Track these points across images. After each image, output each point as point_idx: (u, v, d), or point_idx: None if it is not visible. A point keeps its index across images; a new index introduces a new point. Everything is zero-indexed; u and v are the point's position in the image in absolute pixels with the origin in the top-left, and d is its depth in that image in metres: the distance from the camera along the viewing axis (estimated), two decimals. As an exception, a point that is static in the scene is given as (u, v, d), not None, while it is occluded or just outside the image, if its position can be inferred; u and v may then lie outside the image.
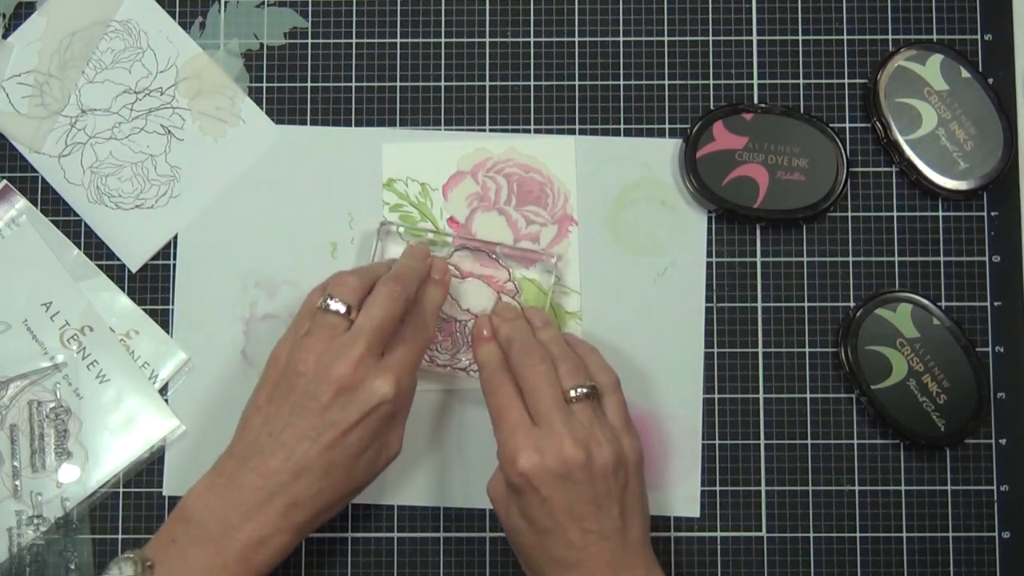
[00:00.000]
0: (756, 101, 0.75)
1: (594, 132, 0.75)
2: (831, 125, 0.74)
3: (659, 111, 0.75)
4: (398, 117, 0.75)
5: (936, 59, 0.73)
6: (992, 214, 0.74)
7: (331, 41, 0.75)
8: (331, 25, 0.75)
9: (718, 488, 0.73)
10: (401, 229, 0.73)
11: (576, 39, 0.75)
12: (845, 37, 0.75)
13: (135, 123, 0.74)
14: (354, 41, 0.75)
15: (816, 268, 0.74)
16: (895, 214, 0.74)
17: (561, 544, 0.62)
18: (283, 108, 0.75)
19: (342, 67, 0.75)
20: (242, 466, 0.62)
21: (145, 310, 0.73)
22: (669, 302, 0.73)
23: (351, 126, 0.74)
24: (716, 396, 0.73)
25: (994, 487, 0.73)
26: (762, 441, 0.73)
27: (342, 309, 0.64)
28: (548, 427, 0.63)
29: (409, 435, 0.73)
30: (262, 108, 0.75)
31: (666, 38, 0.75)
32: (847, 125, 0.75)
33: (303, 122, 0.75)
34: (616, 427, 0.65)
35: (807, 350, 0.73)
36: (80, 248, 0.74)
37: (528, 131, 0.75)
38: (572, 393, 0.64)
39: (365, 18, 0.75)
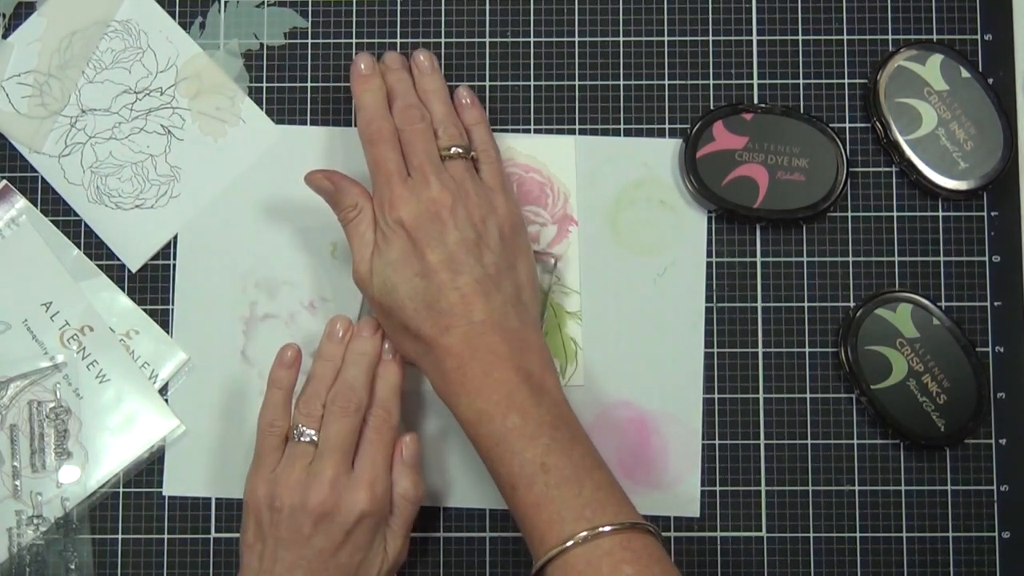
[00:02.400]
0: (756, 101, 0.75)
1: (594, 132, 0.74)
2: (831, 125, 0.74)
3: (659, 111, 0.75)
4: (398, 117, 0.75)
5: (936, 59, 0.73)
6: (992, 214, 0.74)
7: (331, 41, 0.75)
8: (331, 25, 0.75)
9: (718, 488, 0.73)
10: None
11: (576, 39, 0.75)
12: (845, 37, 0.75)
13: (135, 123, 0.74)
14: (354, 41, 0.75)
15: (816, 268, 0.74)
16: (895, 214, 0.74)
17: (432, 289, 0.64)
18: (283, 108, 0.75)
19: (342, 67, 0.75)
20: None
21: (145, 310, 0.73)
22: (669, 302, 0.73)
23: (351, 126, 0.74)
24: (716, 396, 0.73)
25: (994, 487, 0.73)
26: (762, 441, 0.73)
27: (312, 438, 0.66)
28: (419, 175, 0.66)
29: (409, 435, 0.73)
30: (262, 108, 0.75)
31: (666, 38, 0.75)
32: (847, 125, 0.75)
33: (303, 122, 0.75)
34: (491, 188, 0.68)
35: (807, 350, 0.73)
36: (80, 248, 0.74)
37: (528, 131, 0.75)
38: (447, 152, 0.67)
39: (365, 18, 0.75)
